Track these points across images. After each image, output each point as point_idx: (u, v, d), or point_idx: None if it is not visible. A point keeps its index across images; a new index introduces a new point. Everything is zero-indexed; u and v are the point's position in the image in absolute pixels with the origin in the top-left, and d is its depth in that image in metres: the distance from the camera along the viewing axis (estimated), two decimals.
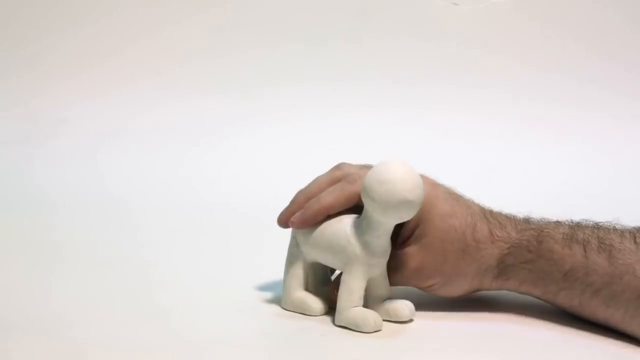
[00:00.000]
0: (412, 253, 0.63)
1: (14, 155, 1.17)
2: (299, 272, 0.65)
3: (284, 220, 0.64)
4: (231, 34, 1.28)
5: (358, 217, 0.62)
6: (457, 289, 0.65)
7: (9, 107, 1.26)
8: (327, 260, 0.64)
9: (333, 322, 0.62)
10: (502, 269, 0.64)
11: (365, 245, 0.61)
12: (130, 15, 1.30)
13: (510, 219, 0.65)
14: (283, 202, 0.67)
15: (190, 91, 1.26)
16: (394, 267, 0.63)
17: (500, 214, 0.66)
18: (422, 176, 0.61)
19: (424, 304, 0.65)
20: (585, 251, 0.61)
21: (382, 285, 0.64)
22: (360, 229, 0.61)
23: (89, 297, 0.67)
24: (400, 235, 0.64)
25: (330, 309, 0.64)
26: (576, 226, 0.63)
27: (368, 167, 0.62)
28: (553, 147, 1.16)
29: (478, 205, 0.66)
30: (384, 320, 0.62)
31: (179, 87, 1.26)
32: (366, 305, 0.62)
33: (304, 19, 1.24)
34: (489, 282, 0.64)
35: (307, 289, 0.65)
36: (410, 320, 0.63)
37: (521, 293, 0.65)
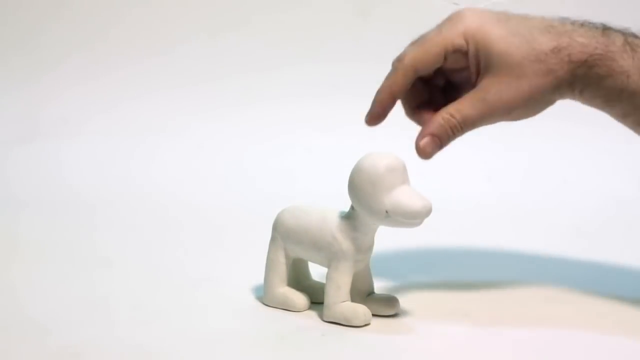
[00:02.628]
0: (487, 85, 0.59)
1: None
2: (280, 267, 0.65)
3: (366, 122, 0.63)
4: (202, 23, 1.26)
5: (343, 213, 0.62)
6: (539, 108, 0.61)
7: None
8: (311, 256, 0.64)
9: (320, 317, 0.62)
10: (575, 80, 0.59)
11: (352, 242, 0.61)
12: (92, 12, 1.27)
13: (585, 26, 0.60)
14: (271, 201, 0.67)
15: (160, 85, 1.24)
16: (476, 106, 0.59)
17: (571, 22, 0.60)
18: (466, 11, 0.60)
19: (412, 300, 0.65)
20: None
21: (366, 280, 0.64)
22: (347, 225, 0.61)
23: (78, 299, 0.67)
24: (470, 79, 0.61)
25: (312, 303, 0.64)
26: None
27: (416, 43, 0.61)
28: (553, 144, 1.15)
29: (537, 18, 0.61)
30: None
31: (147, 82, 1.24)
32: (350, 300, 0.62)
33: (302, 18, 1.24)
34: (566, 94, 0.60)
35: (288, 284, 0.65)
36: (396, 314, 0.63)
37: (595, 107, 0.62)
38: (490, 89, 0.59)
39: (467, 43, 0.59)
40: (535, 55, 0.58)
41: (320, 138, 1.06)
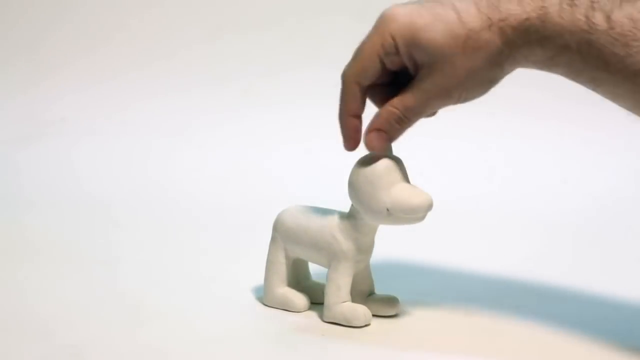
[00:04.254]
0: (423, 75, 0.58)
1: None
2: (280, 268, 0.65)
3: (346, 149, 0.62)
4: (210, 27, 1.26)
5: (343, 214, 0.62)
6: (482, 87, 0.59)
7: None
8: (311, 257, 0.64)
9: (320, 318, 0.62)
10: (512, 50, 0.56)
11: (352, 242, 0.61)
12: (105, 12, 1.28)
13: None
14: (271, 201, 0.67)
15: (165, 88, 1.24)
16: (416, 96, 0.58)
17: None
18: (392, 8, 0.57)
19: (412, 301, 0.65)
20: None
21: (366, 280, 0.64)
22: (347, 225, 0.61)
23: (79, 299, 0.67)
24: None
25: (312, 304, 0.64)
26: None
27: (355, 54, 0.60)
28: (553, 144, 1.15)
29: None
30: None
31: (152, 85, 1.24)
32: (351, 300, 0.62)
33: (304, 23, 1.25)
34: (508, 65, 0.57)
35: (289, 284, 0.65)
36: (396, 315, 0.63)
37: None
38: (426, 79, 0.58)
39: (396, 42, 0.57)
40: (464, 35, 0.56)
41: (320, 139, 1.06)
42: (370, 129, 0.60)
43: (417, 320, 0.63)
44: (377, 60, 0.58)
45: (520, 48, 0.56)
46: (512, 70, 0.58)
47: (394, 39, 0.57)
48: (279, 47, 1.24)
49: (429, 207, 0.59)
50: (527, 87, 1.11)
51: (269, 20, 1.26)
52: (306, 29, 1.23)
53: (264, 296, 0.66)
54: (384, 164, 0.59)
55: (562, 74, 0.57)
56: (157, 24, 1.29)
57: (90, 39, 1.29)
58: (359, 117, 0.60)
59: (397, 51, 0.57)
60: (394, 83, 0.60)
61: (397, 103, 0.59)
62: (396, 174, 0.59)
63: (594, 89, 0.57)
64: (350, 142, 0.60)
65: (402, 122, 0.59)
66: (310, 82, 1.15)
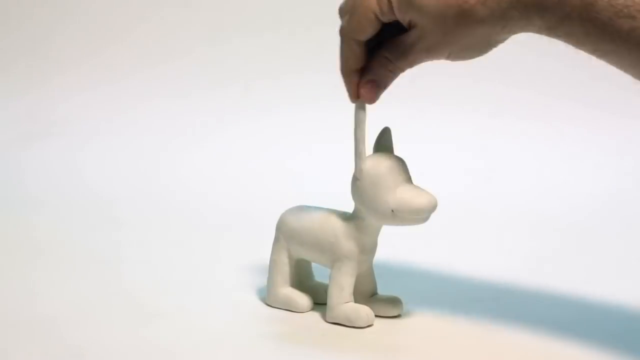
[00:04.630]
0: (416, 35, 0.58)
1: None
2: (284, 268, 0.65)
3: (352, 101, 0.62)
4: (217, 26, 1.27)
5: (346, 214, 0.62)
6: (475, 53, 0.59)
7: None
8: (315, 257, 0.64)
9: (323, 318, 0.62)
10: (506, 14, 0.55)
11: (355, 243, 0.61)
12: (109, 14, 1.29)
13: None
14: (275, 202, 0.67)
15: (174, 88, 1.25)
16: (407, 52, 0.59)
17: None
18: None
19: (415, 301, 0.66)
20: None
21: (369, 281, 0.64)
22: (350, 226, 0.61)
23: (82, 298, 0.67)
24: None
25: (315, 304, 0.64)
26: None
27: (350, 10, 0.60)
28: (555, 144, 1.15)
29: None
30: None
31: (161, 86, 1.25)
32: (354, 301, 0.62)
33: (304, 21, 1.25)
34: (504, 35, 0.57)
35: (292, 285, 0.65)
36: (399, 316, 0.63)
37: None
38: (418, 38, 0.58)
39: (391, 2, 0.58)
40: (457, 7, 0.55)
41: (323, 140, 1.06)
42: (364, 81, 0.61)
43: (420, 321, 0.63)
44: (373, 18, 0.59)
45: (517, 20, 0.55)
46: (508, 37, 0.58)
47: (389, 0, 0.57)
48: (280, 49, 1.25)
49: (434, 207, 0.59)
50: (526, 87, 1.12)
51: (270, 22, 1.27)
52: (306, 31, 1.23)
53: (267, 296, 0.66)
54: (387, 164, 0.59)
55: (563, 41, 0.56)
56: (162, 26, 1.29)
57: (94, 40, 1.29)
58: (359, 71, 0.61)
59: (392, 11, 0.58)
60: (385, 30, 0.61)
61: (389, 53, 0.60)
62: (399, 174, 0.59)
63: (598, 58, 0.56)
64: (354, 95, 0.61)
65: (394, 70, 0.60)
66: (311, 83, 1.15)
